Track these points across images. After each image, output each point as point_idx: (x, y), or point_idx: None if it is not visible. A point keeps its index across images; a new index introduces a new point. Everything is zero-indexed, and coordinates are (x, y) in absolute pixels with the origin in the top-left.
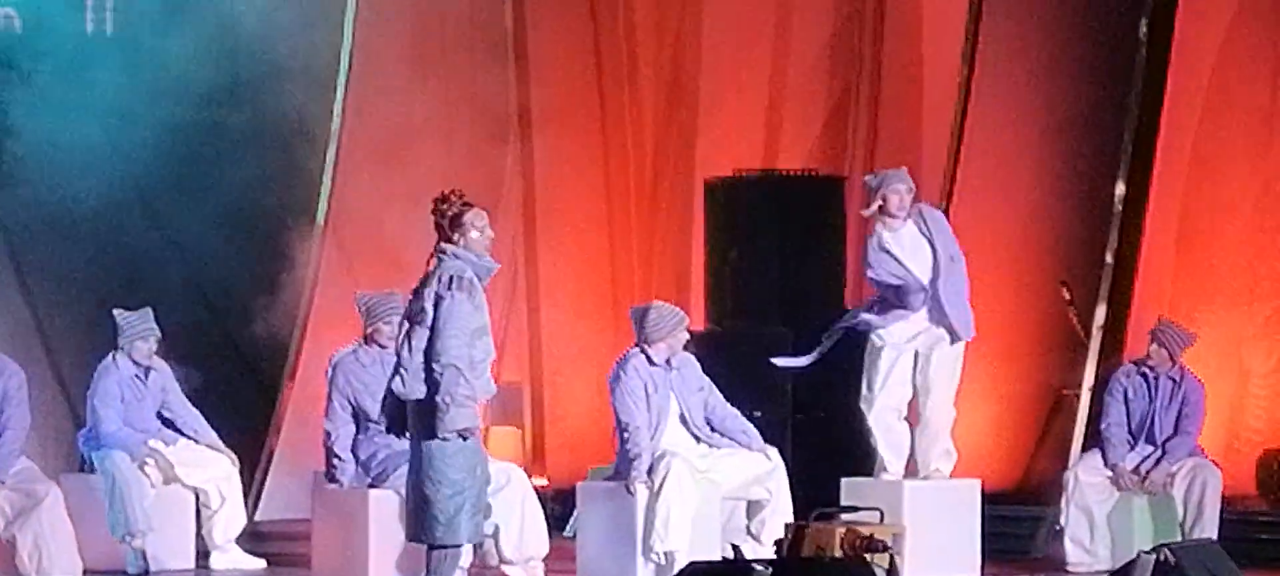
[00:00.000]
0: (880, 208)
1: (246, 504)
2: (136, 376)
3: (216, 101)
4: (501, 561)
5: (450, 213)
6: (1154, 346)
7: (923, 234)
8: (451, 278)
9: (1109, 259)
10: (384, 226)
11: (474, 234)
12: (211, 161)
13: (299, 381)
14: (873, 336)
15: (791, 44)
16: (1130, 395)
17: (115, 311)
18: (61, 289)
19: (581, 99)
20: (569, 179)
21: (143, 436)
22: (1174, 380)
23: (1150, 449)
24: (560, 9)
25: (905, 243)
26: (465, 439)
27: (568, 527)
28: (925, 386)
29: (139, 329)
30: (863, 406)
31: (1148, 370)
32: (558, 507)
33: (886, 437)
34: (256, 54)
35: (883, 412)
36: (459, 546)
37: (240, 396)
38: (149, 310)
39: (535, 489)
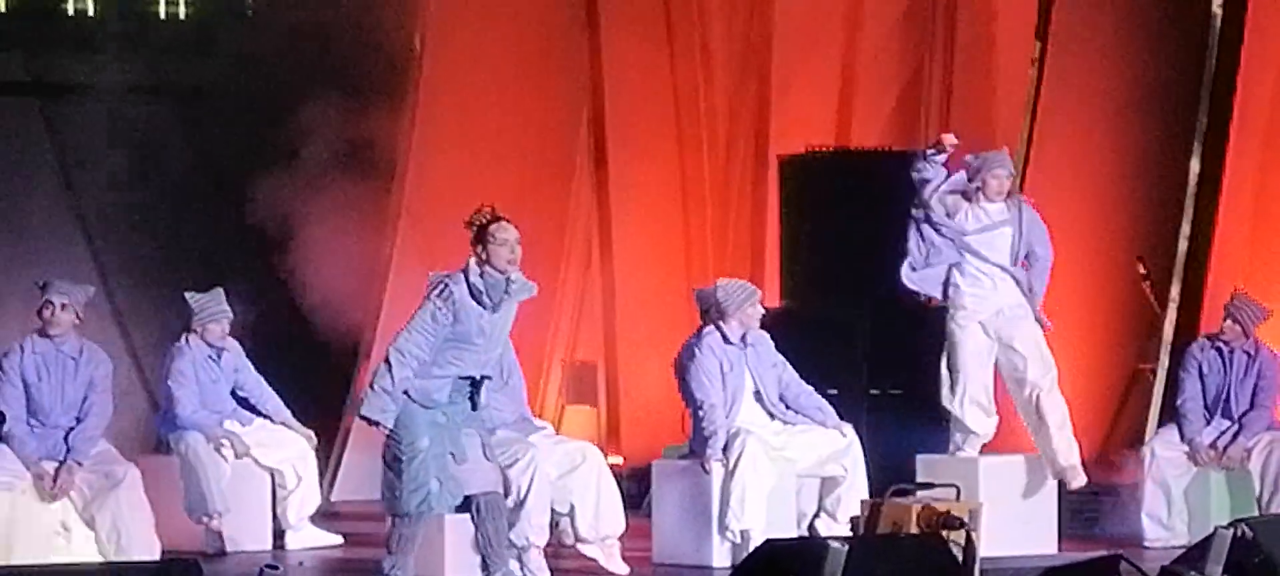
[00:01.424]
0: (978, 189)
1: (322, 483)
2: (210, 357)
3: (289, 86)
4: (577, 540)
5: (478, 224)
6: (1228, 321)
7: (1010, 223)
8: (439, 284)
9: (1184, 234)
10: (458, 204)
11: (495, 247)
12: (283, 143)
13: (373, 360)
14: (950, 324)
15: (865, 20)
16: (1205, 370)
17: (186, 294)
18: (137, 271)
19: (654, 75)
20: (642, 156)
21: (218, 416)
22: (1249, 354)
23: (1227, 423)
24: None
25: (985, 221)
26: (374, 425)
27: (644, 505)
28: (1018, 377)
29: (211, 310)
30: (946, 403)
31: (1223, 344)
32: (633, 486)
33: (972, 421)
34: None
35: (968, 404)
36: (408, 516)
37: (315, 375)
38: (220, 291)
39: (610, 467)
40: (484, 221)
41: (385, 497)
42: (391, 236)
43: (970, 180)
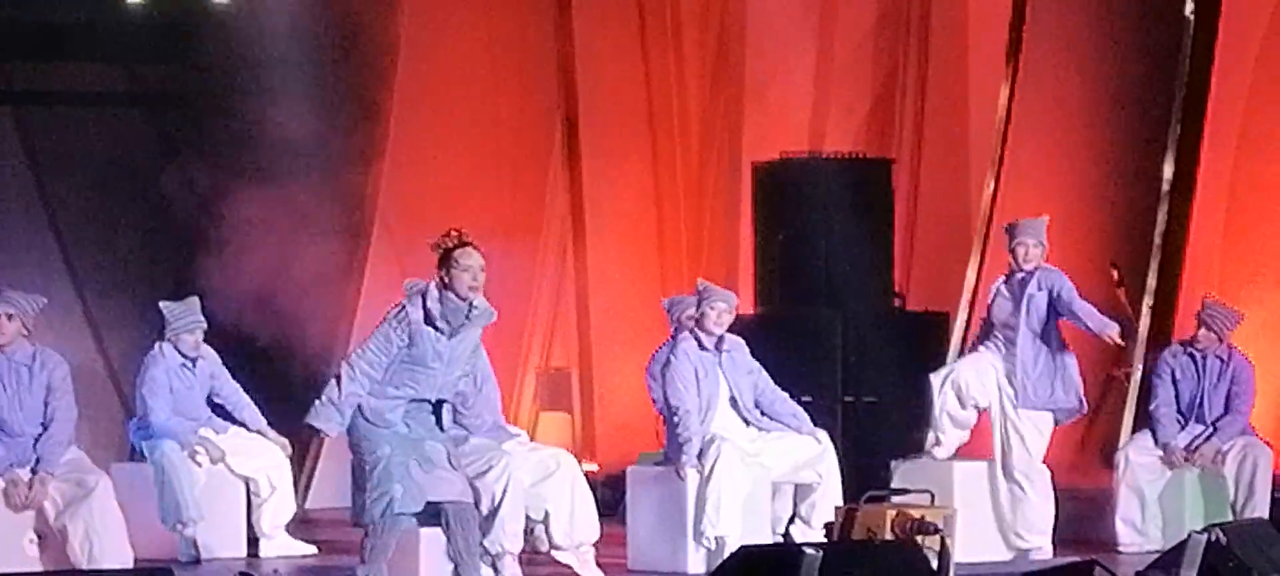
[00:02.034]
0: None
1: (296, 491)
2: (184, 365)
3: (259, 93)
4: (552, 547)
5: (443, 248)
6: (1202, 329)
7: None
8: (397, 306)
9: (1157, 240)
10: (432, 210)
11: (457, 272)
12: (263, 153)
13: None
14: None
15: (837, 26)
16: (1178, 375)
17: (162, 304)
18: (111, 280)
19: (628, 83)
20: (616, 164)
21: (193, 425)
22: (1222, 359)
23: (1201, 428)
24: None
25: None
26: (316, 433)
27: (619, 512)
28: (1009, 443)
29: (186, 321)
30: (932, 378)
31: (1196, 351)
32: (608, 492)
33: (946, 414)
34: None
35: (948, 391)
36: (374, 524)
37: (289, 383)
38: (195, 300)
39: (585, 474)
40: (449, 246)
41: (353, 510)
42: (365, 243)
43: (1010, 246)
